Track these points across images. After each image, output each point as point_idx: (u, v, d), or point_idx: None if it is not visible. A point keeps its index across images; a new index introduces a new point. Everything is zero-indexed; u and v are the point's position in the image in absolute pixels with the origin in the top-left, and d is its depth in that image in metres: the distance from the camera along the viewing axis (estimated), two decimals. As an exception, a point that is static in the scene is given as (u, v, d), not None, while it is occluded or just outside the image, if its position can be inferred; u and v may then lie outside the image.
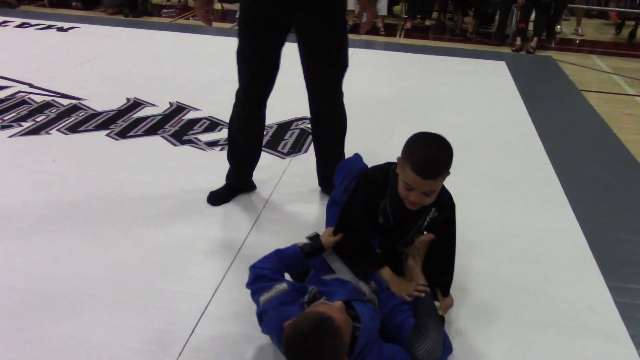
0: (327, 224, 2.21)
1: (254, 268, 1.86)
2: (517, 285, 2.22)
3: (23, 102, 3.84)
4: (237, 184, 2.74)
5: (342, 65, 2.40)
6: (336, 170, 2.36)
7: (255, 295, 1.79)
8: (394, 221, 1.91)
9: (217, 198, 2.68)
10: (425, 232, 1.94)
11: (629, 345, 1.95)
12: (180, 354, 1.78)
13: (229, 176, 2.73)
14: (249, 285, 1.84)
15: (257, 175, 2.78)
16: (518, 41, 6.36)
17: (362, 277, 1.90)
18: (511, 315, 2.05)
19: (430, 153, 1.71)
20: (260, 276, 1.81)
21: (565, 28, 7.83)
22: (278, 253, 1.90)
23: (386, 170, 1.89)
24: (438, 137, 1.77)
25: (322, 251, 1.95)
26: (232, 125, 2.57)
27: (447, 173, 1.75)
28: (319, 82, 2.44)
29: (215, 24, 7.02)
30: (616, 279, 2.29)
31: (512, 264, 2.36)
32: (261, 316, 1.73)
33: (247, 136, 2.60)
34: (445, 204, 1.88)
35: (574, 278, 2.29)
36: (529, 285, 2.23)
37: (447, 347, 1.81)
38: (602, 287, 2.24)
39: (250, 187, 2.79)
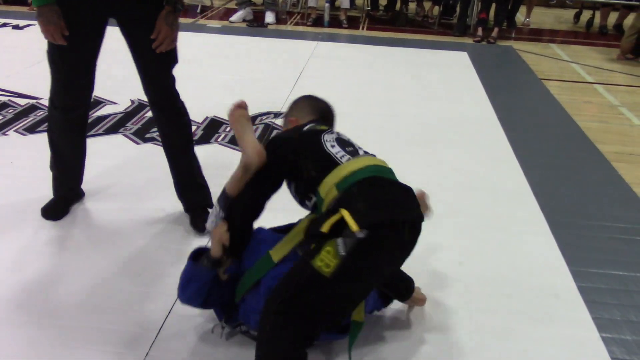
0: None
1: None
2: (482, 275, 2.25)
3: (-22, 102, 3.73)
4: (68, 194, 2.55)
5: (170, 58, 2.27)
6: None
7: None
8: None
9: (51, 213, 2.47)
10: None
11: (591, 328, 1.99)
12: (147, 354, 1.76)
13: (57, 189, 2.52)
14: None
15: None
16: (479, 32, 6.42)
17: None
18: (477, 304, 2.08)
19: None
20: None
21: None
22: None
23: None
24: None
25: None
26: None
27: None
28: (149, 77, 2.37)
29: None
30: (579, 265, 2.34)
31: (478, 252, 2.39)
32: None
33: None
34: None
35: (538, 266, 2.33)
36: (495, 274, 2.26)
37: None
38: (566, 273, 2.28)
39: (80, 195, 2.61)
